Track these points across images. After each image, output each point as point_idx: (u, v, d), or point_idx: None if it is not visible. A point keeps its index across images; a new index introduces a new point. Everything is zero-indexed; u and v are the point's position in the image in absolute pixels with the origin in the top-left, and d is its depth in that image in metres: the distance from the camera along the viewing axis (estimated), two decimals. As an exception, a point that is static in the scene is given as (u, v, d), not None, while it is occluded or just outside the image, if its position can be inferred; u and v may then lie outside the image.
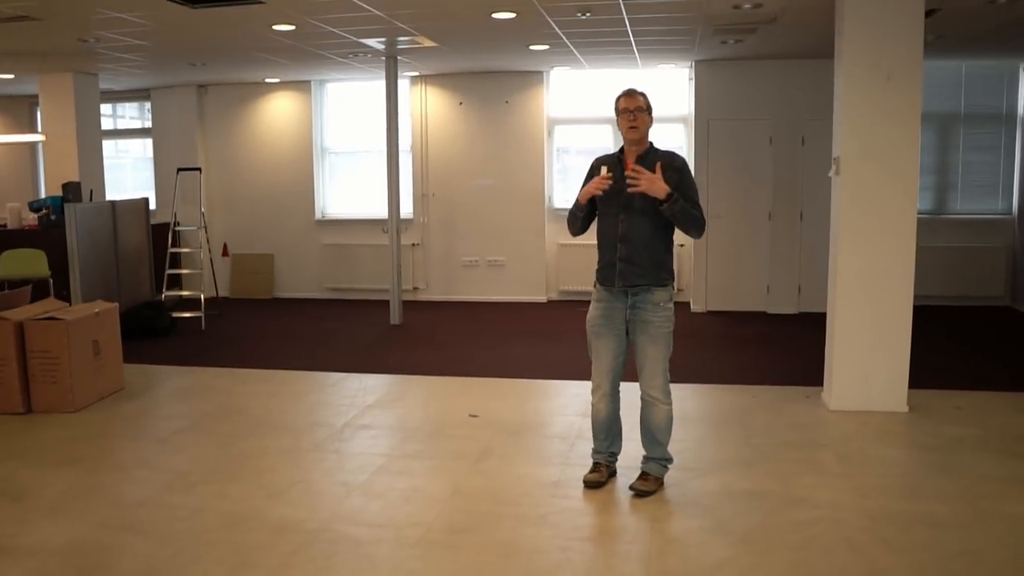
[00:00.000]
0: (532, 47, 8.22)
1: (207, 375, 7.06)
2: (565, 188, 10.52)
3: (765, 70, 9.27)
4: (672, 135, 10.22)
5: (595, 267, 4.30)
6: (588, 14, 6.54)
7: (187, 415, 5.93)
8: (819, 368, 6.01)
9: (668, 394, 4.26)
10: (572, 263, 10.23)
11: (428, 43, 7.93)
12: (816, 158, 8.81)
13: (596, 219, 4.30)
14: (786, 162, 9.33)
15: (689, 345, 7.87)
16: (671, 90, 10.12)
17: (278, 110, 11.03)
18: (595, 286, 4.32)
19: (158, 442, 5.30)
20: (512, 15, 6.60)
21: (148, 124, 11.38)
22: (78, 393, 5.93)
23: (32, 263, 7.69)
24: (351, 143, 11.04)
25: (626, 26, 7.08)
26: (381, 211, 9.42)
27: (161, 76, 10.16)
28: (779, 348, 7.76)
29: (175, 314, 8.96)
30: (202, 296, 9.18)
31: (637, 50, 8.48)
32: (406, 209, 10.57)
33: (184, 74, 9.95)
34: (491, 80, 10.33)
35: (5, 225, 8.60)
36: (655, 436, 4.30)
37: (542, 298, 10.43)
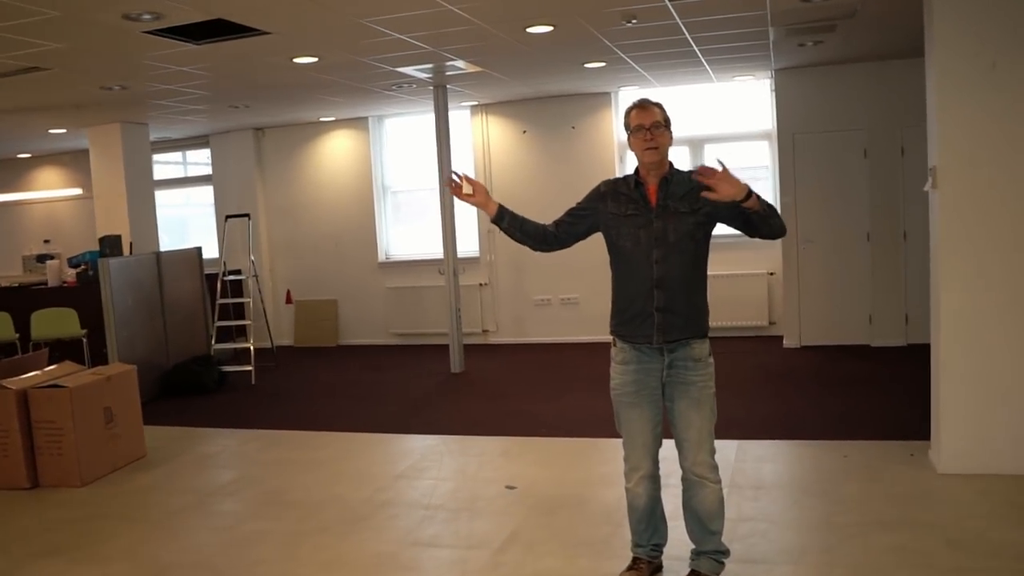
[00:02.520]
0: (587, 65, 7.48)
1: (237, 439, 6.51)
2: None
3: (854, 75, 8.22)
4: (755, 153, 9.27)
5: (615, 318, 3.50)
6: (635, 21, 5.76)
7: (198, 489, 5.35)
8: (928, 415, 4.95)
9: (717, 470, 3.40)
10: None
11: (472, 68, 7.29)
12: (918, 170, 7.56)
13: (616, 261, 3.47)
14: (885, 176, 8.24)
15: (776, 389, 6.93)
16: (752, 105, 9.18)
17: (336, 150, 10.58)
18: (615, 344, 3.50)
19: (153, 525, 4.72)
20: (549, 28, 5.88)
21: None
22: (85, 466, 5.45)
23: (63, 323, 7.34)
24: (413, 180, 10.46)
25: (684, 33, 6.27)
26: (446, 251, 8.76)
27: (215, 122, 9.85)
28: (881, 390, 6.69)
29: (226, 368, 8.52)
30: (251, 348, 8.71)
31: (707, 61, 7.63)
32: (472, 247, 9.94)
33: (237, 118, 9.59)
34: (555, 105, 9.61)
35: (45, 283, 8.31)
36: (706, 525, 3.44)
37: (620, 337, 9.55)
